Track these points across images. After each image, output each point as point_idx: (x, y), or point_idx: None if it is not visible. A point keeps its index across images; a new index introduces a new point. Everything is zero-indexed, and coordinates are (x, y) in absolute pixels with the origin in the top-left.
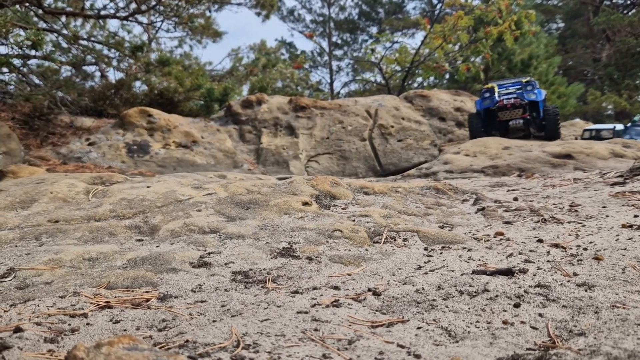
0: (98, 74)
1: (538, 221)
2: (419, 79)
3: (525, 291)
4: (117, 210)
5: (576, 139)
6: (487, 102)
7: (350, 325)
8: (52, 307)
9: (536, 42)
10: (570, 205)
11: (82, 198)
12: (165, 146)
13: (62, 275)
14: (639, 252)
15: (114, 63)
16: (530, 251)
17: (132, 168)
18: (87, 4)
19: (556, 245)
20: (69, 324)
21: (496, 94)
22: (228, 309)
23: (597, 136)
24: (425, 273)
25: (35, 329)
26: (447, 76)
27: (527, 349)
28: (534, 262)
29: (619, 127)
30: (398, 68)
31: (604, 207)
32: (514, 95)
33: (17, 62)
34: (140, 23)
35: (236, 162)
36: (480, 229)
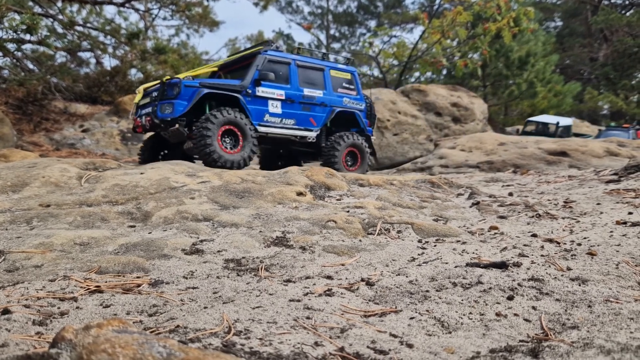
0: (93, 60)
1: (532, 216)
2: (417, 74)
3: (518, 284)
4: (110, 196)
5: (517, 131)
6: (131, 115)
7: (342, 314)
8: (41, 290)
9: (534, 39)
10: (565, 202)
11: (74, 183)
12: None
13: (53, 259)
14: (633, 249)
15: (110, 50)
16: (524, 245)
17: (126, 155)
18: None
19: (550, 240)
20: (59, 307)
21: (136, 104)
22: (220, 296)
23: (542, 130)
24: (419, 265)
25: (24, 312)
26: (444, 71)
27: (520, 341)
28: (528, 256)
29: (566, 121)
30: (395, 62)
31: (598, 204)
32: (149, 110)
33: (11, 46)
34: (137, 10)
35: None
36: (475, 223)
